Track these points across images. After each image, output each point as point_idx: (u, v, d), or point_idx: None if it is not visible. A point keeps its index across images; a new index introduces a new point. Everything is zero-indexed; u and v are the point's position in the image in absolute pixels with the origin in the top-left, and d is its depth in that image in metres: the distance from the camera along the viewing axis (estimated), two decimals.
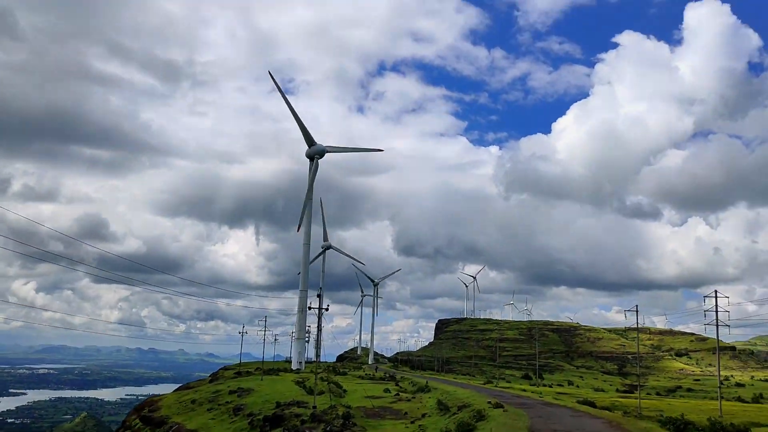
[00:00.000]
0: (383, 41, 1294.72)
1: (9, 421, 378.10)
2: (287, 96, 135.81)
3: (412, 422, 51.55)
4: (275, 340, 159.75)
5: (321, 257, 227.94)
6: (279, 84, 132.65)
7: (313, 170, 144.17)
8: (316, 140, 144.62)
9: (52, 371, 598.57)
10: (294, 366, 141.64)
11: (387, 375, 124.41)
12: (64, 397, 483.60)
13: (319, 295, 62.57)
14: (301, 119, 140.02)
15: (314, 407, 62.98)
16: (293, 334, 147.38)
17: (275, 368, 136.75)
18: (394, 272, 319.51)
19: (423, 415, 55.38)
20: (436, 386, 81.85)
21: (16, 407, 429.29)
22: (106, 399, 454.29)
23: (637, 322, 65.37)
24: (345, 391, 78.40)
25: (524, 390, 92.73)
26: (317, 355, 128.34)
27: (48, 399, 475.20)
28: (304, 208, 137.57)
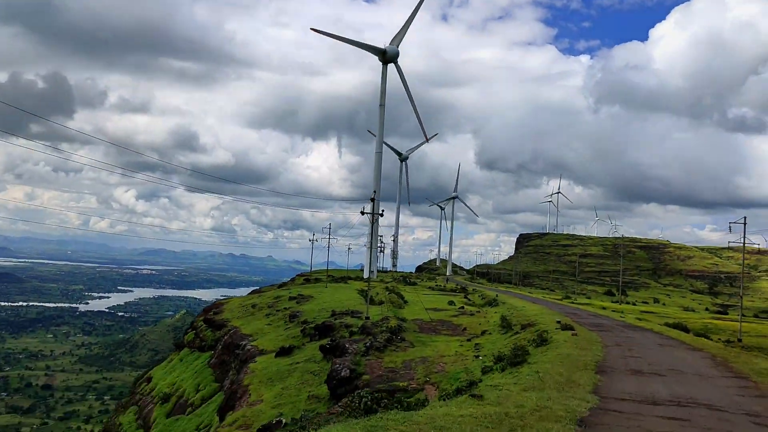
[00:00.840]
0: None
1: (120, 314, 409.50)
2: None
3: (468, 340, 44.99)
4: (349, 249, 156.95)
5: (400, 168, 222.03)
6: None
7: (383, 75, 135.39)
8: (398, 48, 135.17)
9: (154, 272, 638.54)
10: (366, 274, 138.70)
11: (458, 287, 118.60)
12: (166, 296, 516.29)
13: (372, 199, 55.70)
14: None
15: (367, 318, 57.74)
16: (367, 244, 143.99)
17: (347, 276, 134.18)
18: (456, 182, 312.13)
19: (483, 333, 48.70)
20: (506, 300, 74.83)
21: (125, 302, 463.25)
22: (203, 299, 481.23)
23: (744, 235, 55.01)
24: (406, 302, 72.86)
25: (604, 308, 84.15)
26: (389, 263, 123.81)
27: (152, 297, 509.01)
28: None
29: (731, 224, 54.66)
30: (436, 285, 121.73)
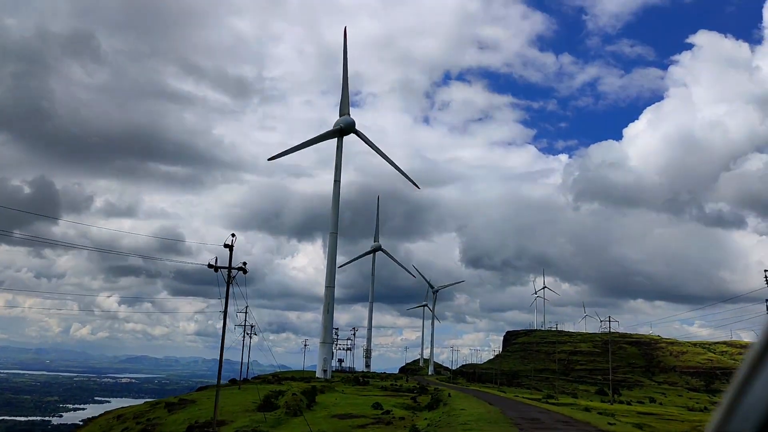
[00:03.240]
0: (448, 50, 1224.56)
1: None
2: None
3: None
4: (305, 346, 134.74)
5: (371, 258, 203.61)
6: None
7: (338, 148, 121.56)
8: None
9: (134, 380, 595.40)
10: (318, 374, 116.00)
11: (418, 386, 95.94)
12: None
13: (227, 245, 36.33)
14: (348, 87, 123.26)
15: None
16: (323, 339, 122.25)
17: (292, 377, 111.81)
18: (456, 283, 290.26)
19: None
20: (452, 402, 53.36)
21: (100, 414, 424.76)
22: None
23: None
24: (312, 405, 51.25)
25: (588, 409, 62.23)
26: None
27: (130, 407, 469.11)
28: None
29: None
30: (392, 384, 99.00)
